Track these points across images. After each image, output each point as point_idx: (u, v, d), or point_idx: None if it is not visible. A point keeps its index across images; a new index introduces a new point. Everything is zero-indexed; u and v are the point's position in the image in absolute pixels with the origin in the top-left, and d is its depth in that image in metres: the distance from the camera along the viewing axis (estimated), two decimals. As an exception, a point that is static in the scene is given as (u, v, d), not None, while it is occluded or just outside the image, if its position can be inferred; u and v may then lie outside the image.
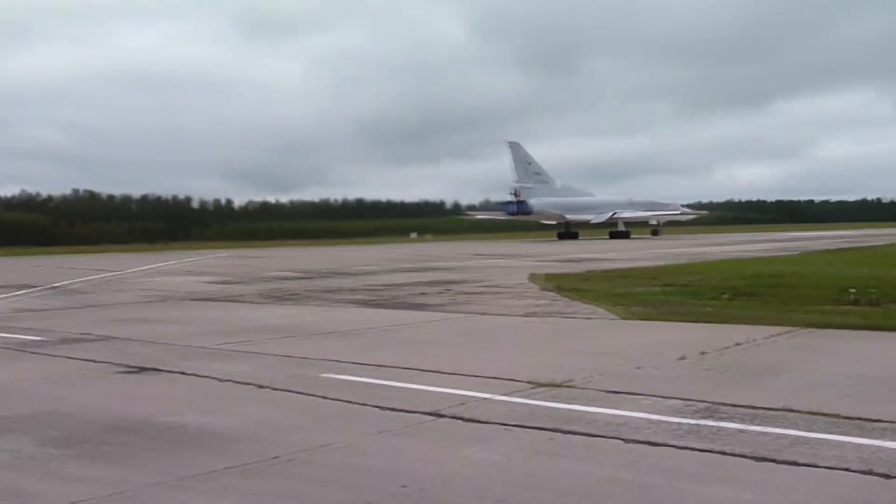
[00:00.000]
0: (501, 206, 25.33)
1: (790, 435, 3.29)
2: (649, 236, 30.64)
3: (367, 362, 4.93)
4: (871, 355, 5.61)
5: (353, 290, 10.81)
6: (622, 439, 3.59)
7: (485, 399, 4.07)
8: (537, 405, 3.99)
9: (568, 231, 28.61)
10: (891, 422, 3.43)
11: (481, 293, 10.91)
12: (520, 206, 24.29)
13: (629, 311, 8.72)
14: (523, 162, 23.93)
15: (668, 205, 34.30)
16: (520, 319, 8.11)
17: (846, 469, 2.76)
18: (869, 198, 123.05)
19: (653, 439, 3.55)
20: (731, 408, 3.94)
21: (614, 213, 28.75)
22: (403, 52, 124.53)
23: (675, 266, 17.43)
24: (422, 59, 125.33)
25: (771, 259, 18.47)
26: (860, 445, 3.08)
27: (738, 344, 6.39)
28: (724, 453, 3.08)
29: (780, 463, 2.87)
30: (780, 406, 3.90)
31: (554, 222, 26.69)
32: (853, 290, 9.71)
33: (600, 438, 3.62)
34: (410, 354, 5.30)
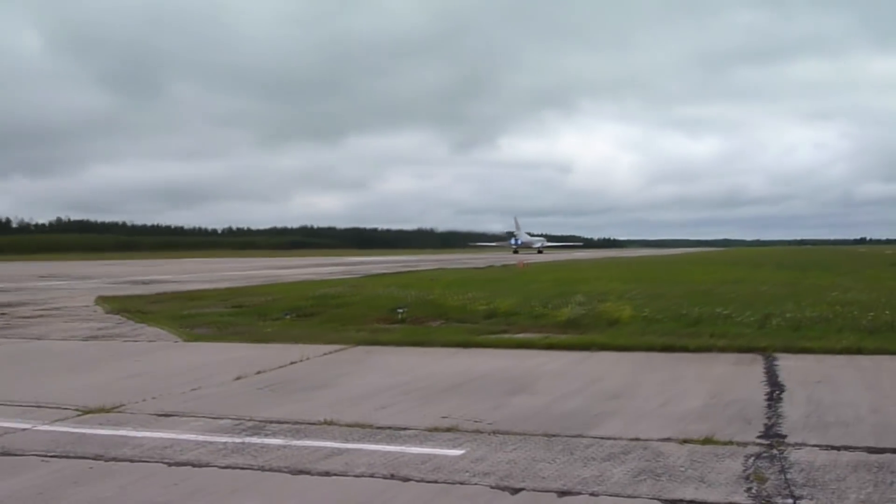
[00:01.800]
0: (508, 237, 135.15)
1: (328, 447, 5.82)
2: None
3: None
4: (409, 369, 10.86)
5: None
6: (167, 462, 5.70)
7: (24, 429, 6.56)
8: (83, 433, 6.43)
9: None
10: (417, 429, 6.50)
11: (41, 316, 17.78)
12: (516, 241, 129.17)
13: (194, 332, 14.69)
14: (516, 224, 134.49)
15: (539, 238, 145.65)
16: (80, 343, 12.95)
17: (372, 475, 5.14)
18: (425, 227, 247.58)
19: (198, 460, 5.75)
20: (278, 424, 6.88)
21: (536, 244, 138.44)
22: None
23: (247, 288, 29.26)
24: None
25: (336, 281, 32.40)
26: (388, 452, 5.67)
27: (293, 362, 11.16)
28: (264, 469, 5.29)
29: (314, 475, 5.15)
30: (323, 420, 6.93)
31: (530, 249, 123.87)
32: (402, 310, 17.57)
33: (144, 463, 5.66)
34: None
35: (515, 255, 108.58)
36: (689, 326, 14.32)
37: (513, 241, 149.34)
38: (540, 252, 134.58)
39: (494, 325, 15.82)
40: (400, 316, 17.28)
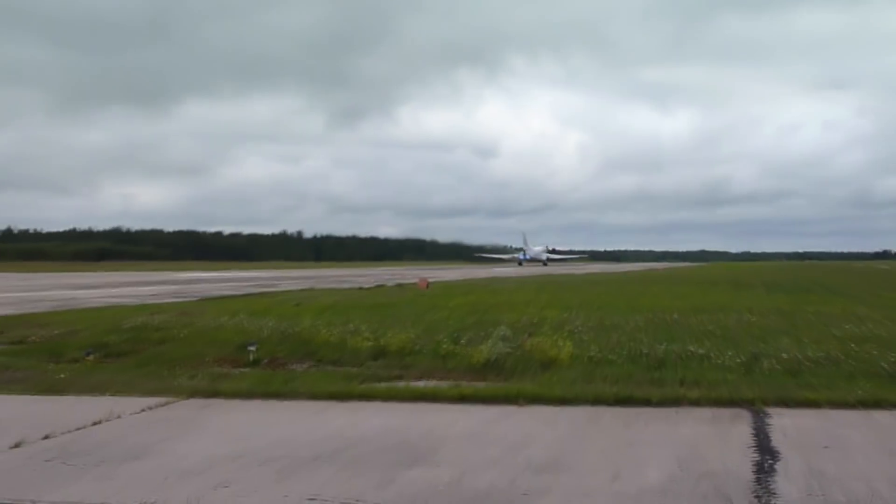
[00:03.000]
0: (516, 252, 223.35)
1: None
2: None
3: None
4: (262, 430, 10.84)
5: None
6: None
7: None
8: None
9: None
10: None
11: None
12: (524, 256, 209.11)
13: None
14: (525, 239, 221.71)
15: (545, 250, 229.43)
16: None
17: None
18: (290, 230, 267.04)
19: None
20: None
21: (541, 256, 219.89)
22: None
23: (32, 315, 28.31)
24: None
25: (161, 307, 32.42)
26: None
27: (96, 423, 10.98)
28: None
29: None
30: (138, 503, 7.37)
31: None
32: (253, 348, 17.51)
33: None
34: None
35: (438, 273, 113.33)
36: (652, 370, 14.97)
37: (521, 256, 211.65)
38: (545, 265, 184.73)
39: (384, 368, 15.99)
40: (251, 356, 17.27)
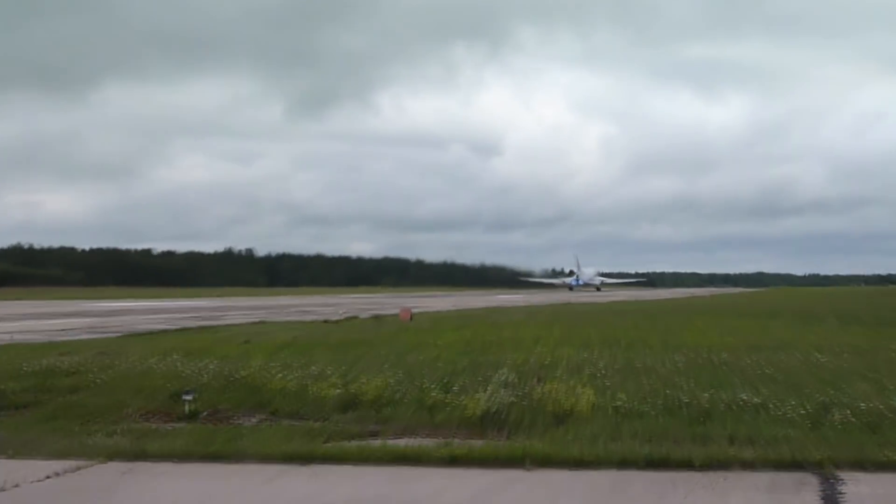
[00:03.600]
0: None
1: None
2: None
3: None
4: (195, 500, 10.56)
5: None
6: None
7: None
8: None
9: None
10: None
11: None
12: (577, 282, 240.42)
13: None
14: (577, 261, 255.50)
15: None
16: None
17: None
18: (237, 248, 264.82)
19: None
20: None
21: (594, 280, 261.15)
22: None
23: None
24: None
25: (73, 345, 32.48)
26: None
27: None
28: None
29: None
30: None
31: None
32: (190, 397, 17.43)
33: None
34: None
35: (424, 302, 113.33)
36: (694, 424, 15.00)
37: (574, 281, 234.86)
38: (598, 290, 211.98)
39: (356, 422, 15.94)
40: (187, 407, 17.21)
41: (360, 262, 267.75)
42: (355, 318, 54.28)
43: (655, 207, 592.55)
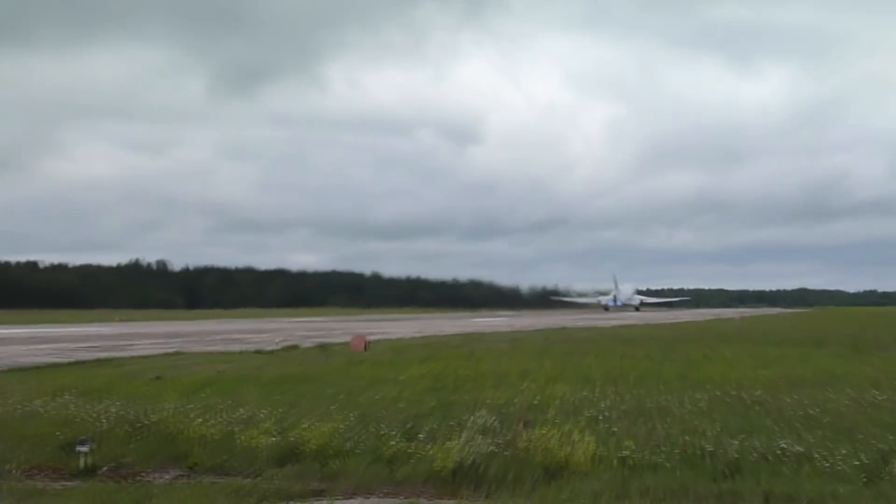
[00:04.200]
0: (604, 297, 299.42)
1: None
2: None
3: None
4: None
5: None
6: None
7: None
8: None
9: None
10: None
11: None
12: (615, 302, 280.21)
13: None
14: (615, 279, 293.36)
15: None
16: None
17: None
18: (146, 260, 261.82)
19: None
20: None
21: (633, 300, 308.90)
22: None
23: None
24: None
25: None
26: None
27: None
28: None
29: None
30: None
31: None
32: (86, 448, 17.21)
33: None
34: None
35: (383, 327, 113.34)
36: (720, 479, 15.12)
37: (611, 301, 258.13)
38: (637, 310, 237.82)
39: (296, 478, 15.97)
40: (83, 461, 17.09)
41: (303, 277, 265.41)
42: (296, 347, 54.25)
43: (673, 208, 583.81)
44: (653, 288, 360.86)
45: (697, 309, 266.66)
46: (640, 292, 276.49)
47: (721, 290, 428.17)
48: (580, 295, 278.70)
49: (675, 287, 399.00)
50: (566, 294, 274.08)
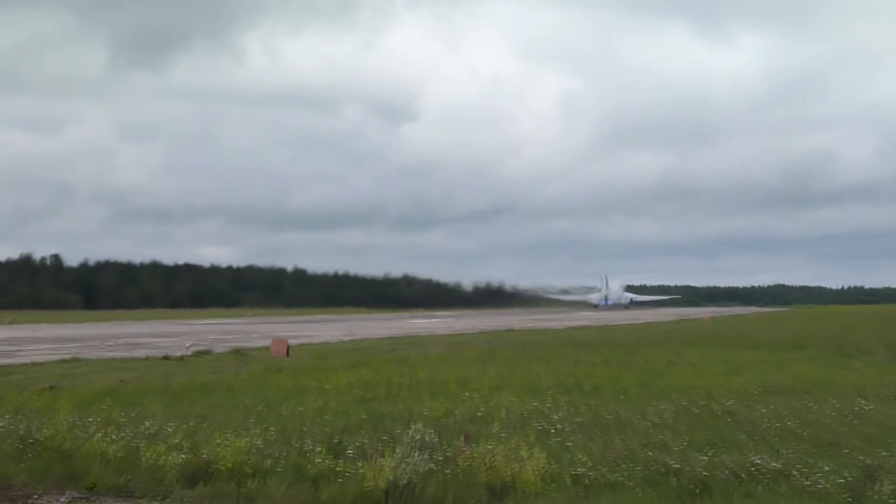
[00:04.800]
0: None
1: None
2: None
3: None
4: None
5: None
6: None
7: None
8: None
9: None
10: None
11: None
12: (605, 301, 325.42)
13: None
14: (605, 276, 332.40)
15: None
16: None
17: None
18: (36, 255, 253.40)
19: None
20: None
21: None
22: None
23: None
24: None
25: None
26: None
27: None
28: None
29: None
30: None
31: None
32: None
33: None
34: None
35: (306, 329, 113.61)
36: (686, 500, 15.33)
37: (601, 300, 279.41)
38: (627, 308, 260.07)
39: (209, 500, 16.07)
40: None
41: (215, 273, 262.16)
42: (208, 352, 54.07)
43: (634, 195, 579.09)
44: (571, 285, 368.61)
45: (661, 308, 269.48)
46: (630, 289, 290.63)
47: (687, 287, 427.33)
48: (564, 292, 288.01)
49: (637, 284, 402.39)
50: (526, 291, 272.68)
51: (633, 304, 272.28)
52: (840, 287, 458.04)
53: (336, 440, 19.61)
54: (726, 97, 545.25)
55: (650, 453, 17.99)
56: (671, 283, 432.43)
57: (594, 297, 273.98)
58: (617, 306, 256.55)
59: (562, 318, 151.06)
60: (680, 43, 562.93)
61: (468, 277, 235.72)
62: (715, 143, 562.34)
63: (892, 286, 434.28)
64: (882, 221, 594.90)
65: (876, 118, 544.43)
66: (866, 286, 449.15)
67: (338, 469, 17.29)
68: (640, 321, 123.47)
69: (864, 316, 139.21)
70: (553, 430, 20.75)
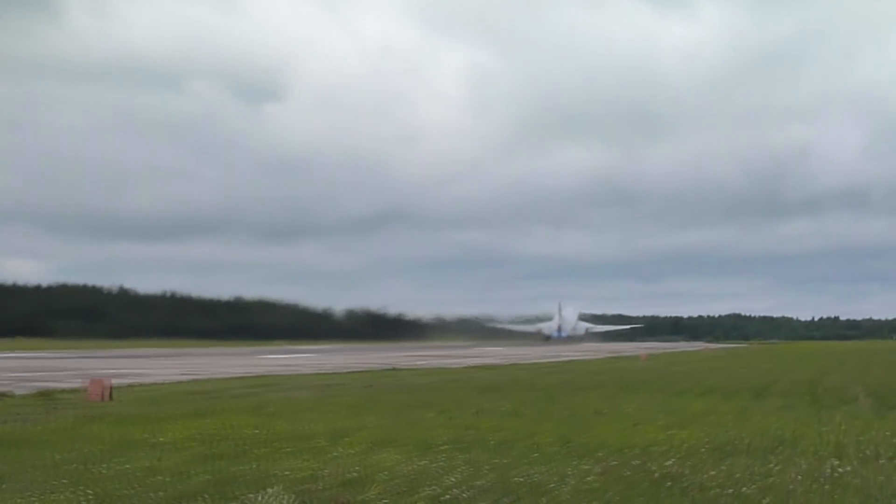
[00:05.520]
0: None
1: None
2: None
3: None
4: None
5: None
6: None
7: None
8: None
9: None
10: None
11: None
12: (559, 333, 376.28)
13: None
14: (560, 305, 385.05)
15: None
16: None
17: None
18: None
19: None
20: None
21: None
22: None
23: None
24: None
25: None
26: None
27: None
28: None
29: None
30: None
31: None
32: None
33: None
34: None
35: (134, 365, 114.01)
36: None
37: (554, 332, 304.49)
38: (583, 340, 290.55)
39: None
40: None
41: (18, 292, 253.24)
42: (7, 395, 53.58)
43: (561, 200, 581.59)
44: (520, 313, 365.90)
45: (584, 343, 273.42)
46: (586, 318, 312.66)
47: (619, 316, 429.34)
48: (513, 322, 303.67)
49: (596, 312, 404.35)
50: (419, 320, 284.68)
51: (589, 335, 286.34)
52: (811, 318, 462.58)
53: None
54: (679, 79, 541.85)
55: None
56: (600, 312, 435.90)
57: (547, 328, 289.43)
58: (572, 338, 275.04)
59: (462, 353, 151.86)
60: (623, 10, 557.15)
61: (343, 302, 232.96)
62: (663, 136, 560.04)
63: (878, 317, 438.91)
64: (869, 236, 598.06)
65: (863, 106, 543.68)
66: (843, 317, 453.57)
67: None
68: (563, 359, 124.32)
69: (842, 354, 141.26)
70: (447, 497, 20.79)
